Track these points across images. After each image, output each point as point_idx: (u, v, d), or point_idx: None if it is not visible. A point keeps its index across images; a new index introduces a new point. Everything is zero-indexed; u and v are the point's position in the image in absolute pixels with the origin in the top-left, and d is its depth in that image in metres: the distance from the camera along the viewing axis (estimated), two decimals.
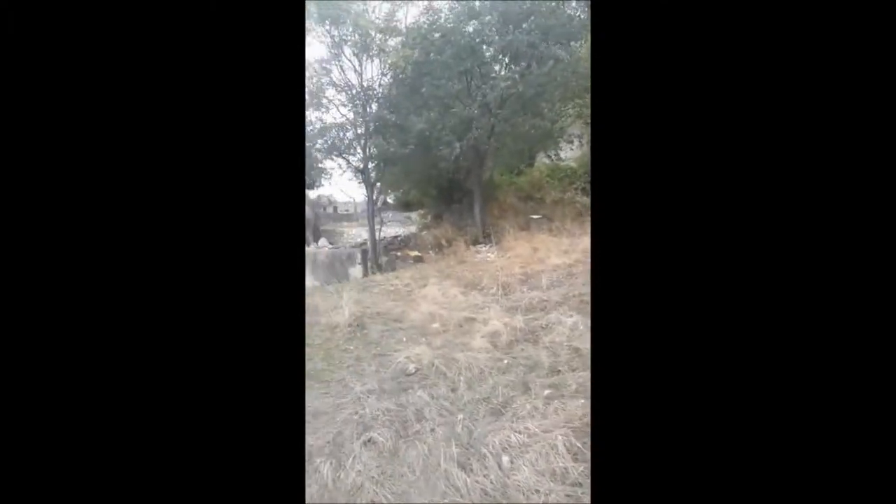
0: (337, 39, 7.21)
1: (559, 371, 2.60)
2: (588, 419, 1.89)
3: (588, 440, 1.75)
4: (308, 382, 2.75)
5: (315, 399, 2.50)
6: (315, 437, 2.08)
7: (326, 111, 7.76)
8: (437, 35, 6.76)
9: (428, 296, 4.86)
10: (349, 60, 7.57)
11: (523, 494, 1.59)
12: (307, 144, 7.14)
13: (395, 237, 10.32)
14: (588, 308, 3.40)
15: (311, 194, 12.19)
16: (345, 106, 7.85)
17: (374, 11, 7.39)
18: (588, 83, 6.06)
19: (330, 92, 7.67)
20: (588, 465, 1.63)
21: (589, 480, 1.55)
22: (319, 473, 1.81)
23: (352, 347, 3.38)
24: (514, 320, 3.60)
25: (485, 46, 6.86)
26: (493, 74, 7.08)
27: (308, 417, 2.30)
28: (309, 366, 3.01)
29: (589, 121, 7.27)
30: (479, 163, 7.93)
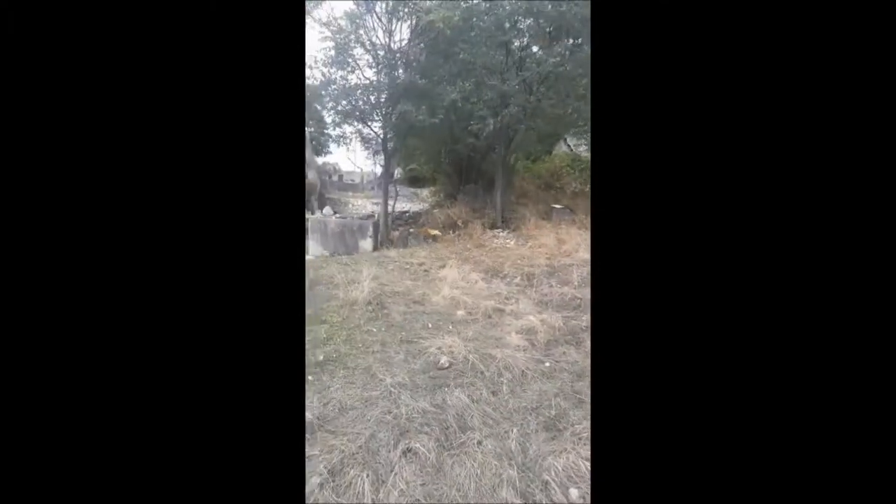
0: None
1: None
2: None
3: None
4: (332, 367, 2.45)
5: (340, 389, 2.19)
6: (345, 439, 1.77)
7: (352, 71, 7.18)
8: None
9: (447, 278, 4.58)
10: (380, 18, 6.98)
11: None
12: (325, 107, 6.54)
13: (404, 212, 9.88)
14: None
15: (317, 160, 11.66)
16: (371, 67, 7.28)
17: None
18: None
19: (357, 51, 7.07)
20: None
21: None
22: (354, 488, 1.51)
23: (374, 329, 3.07)
24: (551, 318, 3.31)
25: (531, 19, 6.32)
26: (536, 48, 6.56)
27: (334, 412, 1.99)
28: (330, 347, 2.69)
29: None
30: (506, 143, 7.47)
